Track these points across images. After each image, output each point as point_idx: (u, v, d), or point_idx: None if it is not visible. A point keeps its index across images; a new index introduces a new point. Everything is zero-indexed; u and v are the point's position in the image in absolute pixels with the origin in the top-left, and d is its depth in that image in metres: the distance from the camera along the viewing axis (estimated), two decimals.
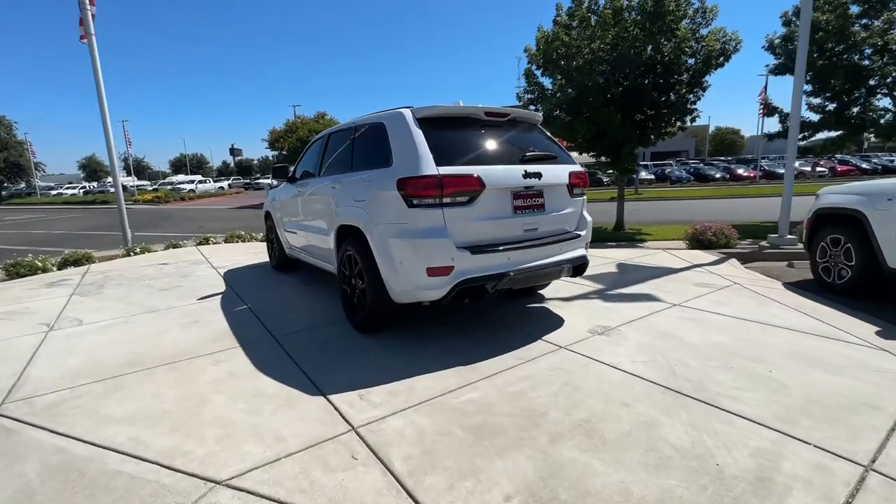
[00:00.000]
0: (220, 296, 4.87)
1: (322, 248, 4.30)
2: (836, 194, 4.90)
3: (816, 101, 13.56)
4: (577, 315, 3.88)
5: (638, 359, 2.96)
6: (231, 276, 5.80)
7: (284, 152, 30.31)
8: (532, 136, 3.62)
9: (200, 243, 8.89)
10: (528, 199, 3.24)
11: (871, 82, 12.88)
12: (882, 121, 12.95)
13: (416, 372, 2.86)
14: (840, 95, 12.98)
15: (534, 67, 12.78)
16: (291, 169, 5.29)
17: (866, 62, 12.57)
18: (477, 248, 2.98)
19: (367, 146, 3.60)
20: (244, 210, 24.62)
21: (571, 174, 3.54)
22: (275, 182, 5.66)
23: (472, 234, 3.01)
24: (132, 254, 7.99)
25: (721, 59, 12.23)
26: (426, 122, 3.16)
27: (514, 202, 3.17)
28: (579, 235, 3.58)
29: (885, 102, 13.25)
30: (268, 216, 6.14)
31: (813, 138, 14.65)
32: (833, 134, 14.61)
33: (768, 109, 13.75)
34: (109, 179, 47.49)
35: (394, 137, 3.20)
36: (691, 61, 11.98)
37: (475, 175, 2.97)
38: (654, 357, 2.97)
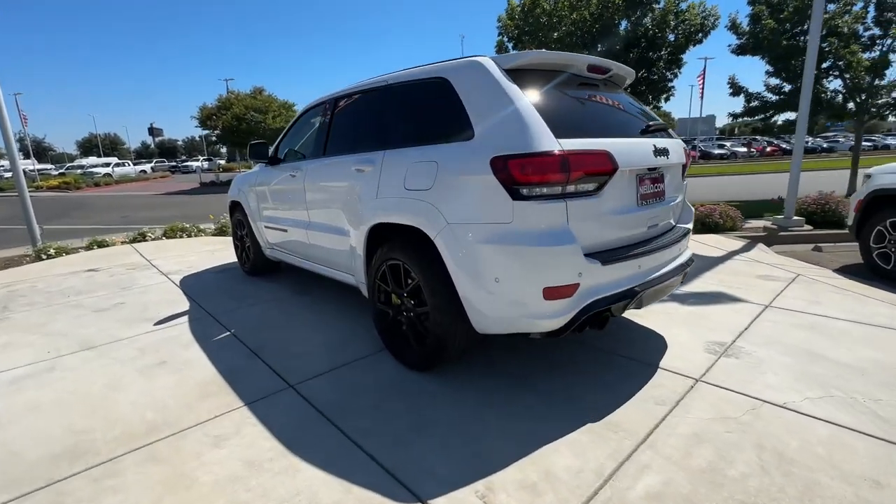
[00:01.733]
0: (185, 317, 3.64)
1: (332, 251, 3.24)
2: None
3: (775, 81, 13.85)
4: (667, 325, 3.15)
5: (810, 394, 2.25)
6: (192, 286, 4.51)
7: (217, 131, 27.48)
8: (623, 98, 2.76)
9: (135, 240, 7.29)
10: (652, 185, 2.39)
11: (825, 64, 13.28)
12: (834, 101, 13.45)
13: (536, 439, 1.97)
14: (799, 76, 13.31)
15: (506, 39, 11.92)
16: (272, 148, 4.08)
17: (824, 45, 12.91)
18: (608, 256, 2.10)
19: (416, 112, 2.57)
20: (174, 196, 21.97)
21: (685, 151, 2.75)
22: (261, 167, 4.34)
23: (599, 236, 2.13)
24: (44, 256, 6.29)
25: (700, 35, 11.95)
26: (513, 76, 2.20)
27: (640, 189, 2.31)
28: (689, 230, 2.82)
29: (835, 84, 13.80)
30: (235, 207, 4.85)
31: (766, 120, 15.06)
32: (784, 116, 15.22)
33: (735, 89, 13.87)
34: (3, 163, 41.11)
35: (472, 97, 2.21)
36: (672, 37, 11.62)
37: (608, 152, 2.08)
38: (827, 391, 2.28)
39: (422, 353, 2.49)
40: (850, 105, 13.49)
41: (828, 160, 28.20)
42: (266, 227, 4.20)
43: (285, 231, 3.82)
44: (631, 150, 2.23)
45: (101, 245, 6.97)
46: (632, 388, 2.36)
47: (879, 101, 13.39)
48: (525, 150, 1.94)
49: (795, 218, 7.04)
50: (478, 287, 2.12)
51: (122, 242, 7.23)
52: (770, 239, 6.37)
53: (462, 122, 2.21)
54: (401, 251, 2.46)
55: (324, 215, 3.24)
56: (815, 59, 6.84)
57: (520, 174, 1.94)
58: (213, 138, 29.75)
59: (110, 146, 68.33)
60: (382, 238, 2.70)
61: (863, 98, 13.19)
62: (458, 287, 2.20)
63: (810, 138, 48.38)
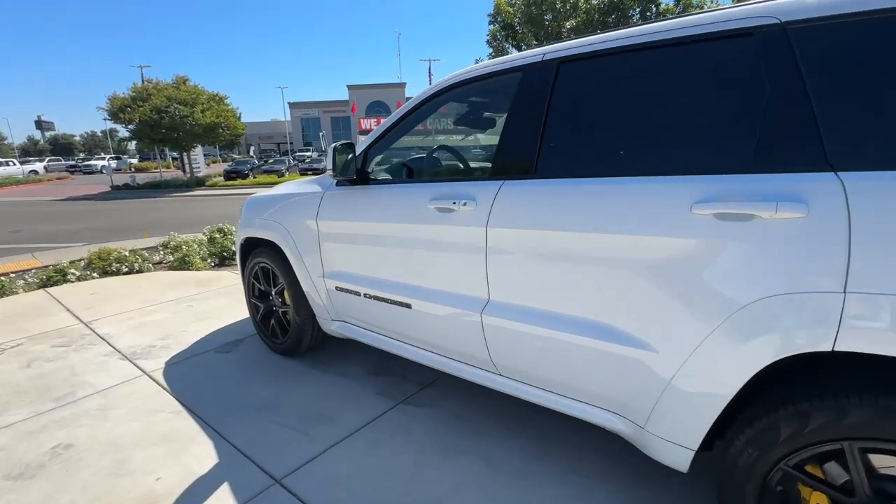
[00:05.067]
0: (224, 493, 1.81)
1: (573, 367, 1.61)
2: None
3: None
4: None
5: None
6: (191, 388, 2.60)
7: (132, 126, 23.54)
8: None
9: (50, 280, 4.95)
10: None
11: None
12: None
13: None
14: None
15: (500, 27, 10.68)
16: (357, 155, 2.30)
17: None
18: None
19: None
20: (80, 203, 18.25)
21: None
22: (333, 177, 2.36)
23: None
24: None
25: None
26: None
27: None
28: None
29: None
30: (255, 248, 2.99)
31: None
32: None
33: None
34: None
35: None
36: None
37: None
38: None
39: None
40: None
41: None
42: (340, 288, 2.43)
43: (405, 306, 2.10)
44: None
45: None
46: None
47: None
48: None
49: None
50: None
51: (29, 285, 4.87)
52: None
53: None
54: None
55: (561, 296, 1.58)
56: None
57: None
58: (127, 133, 25.52)
59: None
60: (812, 378, 1.17)
61: None
62: None
63: None
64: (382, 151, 2.35)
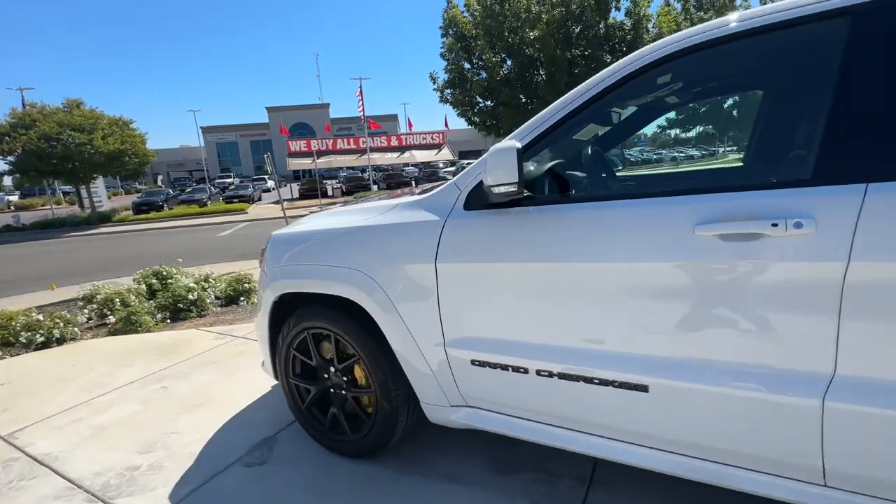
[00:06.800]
0: None
1: None
2: None
3: None
4: None
5: None
6: None
7: (12, 157, 20.11)
8: None
9: None
10: None
11: None
12: None
13: None
14: None
15: (454, 39, 10.37)
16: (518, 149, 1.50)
17: None
18: None
19: None
20: None
21: None
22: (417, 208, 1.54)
23: None
24: None
25: None
26: None
27: None
28: None
29: None
30: (292, 307, 2.05)
31: None
32: None
33: None
34: None
35: None
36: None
37: None
38: None
39: None
40: None
41: None
42: (482, 362, 1.59)
43: (636, 389, 1.32)
44: None
45: None
46: None
47: None
48: None
49: None
50: None
51: None
52: None
53: None
54: None
55: None
56: None
57: None
58: (6, 166, 21.78)
59: None
60: None
61: None
62: None
63: None
64: (533, 157, 1.60)
